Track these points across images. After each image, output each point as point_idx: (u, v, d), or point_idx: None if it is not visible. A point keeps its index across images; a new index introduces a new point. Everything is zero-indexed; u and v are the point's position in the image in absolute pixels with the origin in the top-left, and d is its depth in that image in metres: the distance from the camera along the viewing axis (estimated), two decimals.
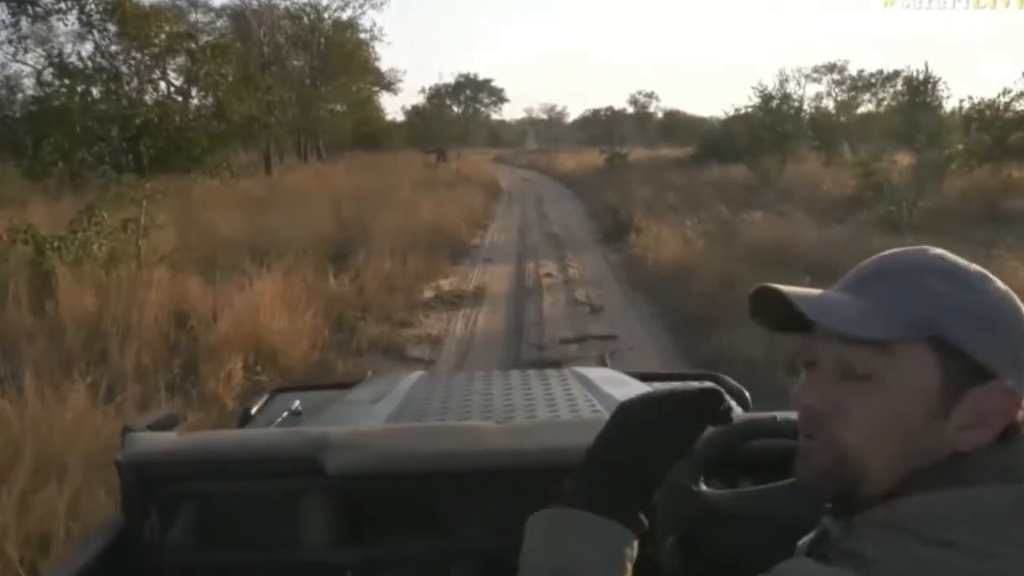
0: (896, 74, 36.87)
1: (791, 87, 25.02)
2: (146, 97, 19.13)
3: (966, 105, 18.53)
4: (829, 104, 37.96)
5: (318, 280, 7.18)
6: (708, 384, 0.90)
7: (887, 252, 0.68)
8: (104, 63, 18.36)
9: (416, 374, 2.16)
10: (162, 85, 20.19)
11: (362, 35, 30.99)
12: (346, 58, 30.13)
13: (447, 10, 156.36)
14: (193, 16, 26.47)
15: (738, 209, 12.00)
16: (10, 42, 18.32)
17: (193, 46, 19.14)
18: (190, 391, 4.38)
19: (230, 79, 19.18)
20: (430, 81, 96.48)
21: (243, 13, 27.13)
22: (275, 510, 1.21)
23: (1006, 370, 0.61)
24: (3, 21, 17.61)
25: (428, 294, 8.12)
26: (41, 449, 2.99)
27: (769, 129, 21.12)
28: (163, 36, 18.48)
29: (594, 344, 6.14)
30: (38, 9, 17.41)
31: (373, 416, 1.63)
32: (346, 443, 1.20)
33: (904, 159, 15.59)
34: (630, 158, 27.90)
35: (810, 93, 36.16)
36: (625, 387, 1.80)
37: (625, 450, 0.73)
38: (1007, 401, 0.61)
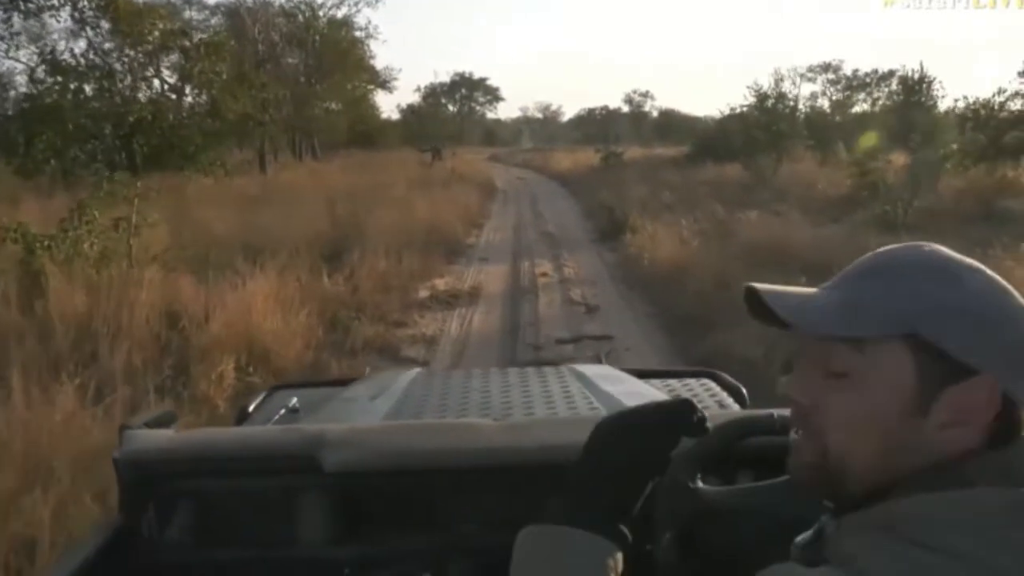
0: (891, 74, 37.02)
1: (786, 86, 25.00)
2: (139, 95, 19.01)
3: (961, 105, 18.59)
4: (824, 104, 38.00)
5: (312, 279, 7.13)
6: (681, 396, 0.88)
7: (881, 249, 0.67)
8: (97, 60, 18.25)
9: (414, 371, 2.13)
10: (156, 83, 20.09)
11: (357, 33, 30.95)
12: (341, 56, 30.02)
13: (442, 8, 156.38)
14: (187, 13, 26.37)
15: (734, 208, 11.99)
16: (2, 39, 18.20)
17: (187, 43, 19.02)
18: (181, 392, 4.33)
19: (224, 77, 19.07)
20: (425, 79, 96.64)
21: (237, 10, 27.01)
22: (273, 507, 1.20)
23: (990, 366, 0.60)
24: None
25: (423, 293, 8.08)
26: (28, 452, 2.93)
27: (764, 128, 21.11)
28: (157, 33, 18.34)
29: (590, 344, 6.11)
30: (30, 5, 17.29)
31: (371, 413, 1.62)
32: (344, 440, 1.20)
33: (899, 159, 15.60)
34: (625, 157, 27.88)
35: (805, 92, 36.17)
36: (622, 384, 1.80)
37: (604, 467, 0.77)
38: (990, 398, 0.59)
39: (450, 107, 72.06)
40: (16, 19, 17.83)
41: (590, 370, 1.99)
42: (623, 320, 7.11)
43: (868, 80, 42.00)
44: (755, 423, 1.03)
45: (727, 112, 25.09)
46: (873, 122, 25.54)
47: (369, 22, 43.58)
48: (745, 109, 23.12)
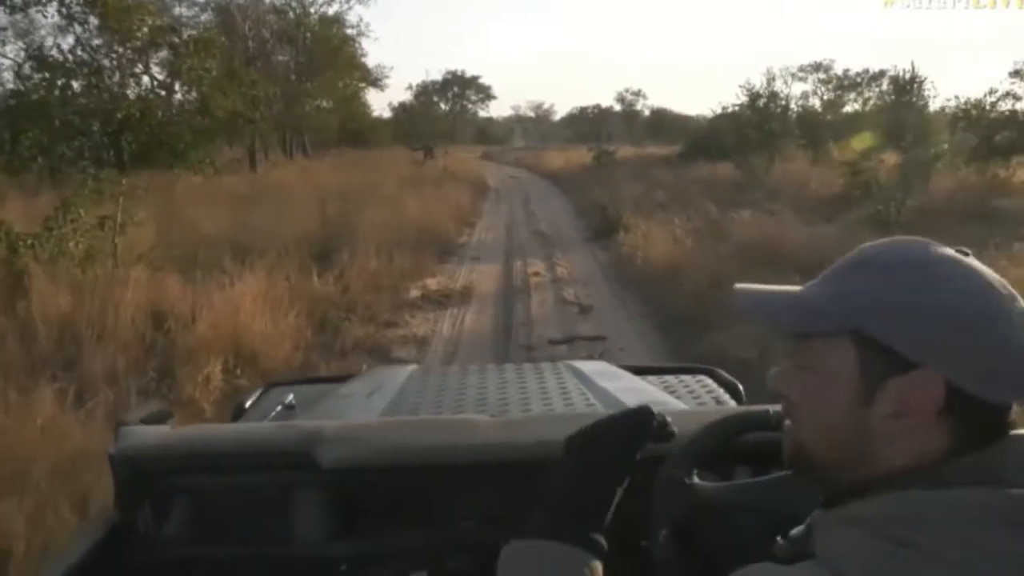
0: (882, 73, 37.03)
1: (778, 86, 24.94)
2: (128, 91, 18.78)
3: (952, 105, 18.64)
4: (815, 103, 38.02)
5: (302, 279, 7.04)
6: (642, 404, 0.90)
7: (865, 244, 0.68)
8: (85, 56, 18.05)
9: (410, 367, 2.12)
10: (145, 79, 19.84)
11: (349, 30, 30.78)
12: (332, 53, 29.88)
13: (433, 7, 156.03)
14: (177, 10, 26.11)
15: (726, 207, 11.97)
16: None
17: (176, 40, 18.82)
18: (166, 395, 4.23)
19: (214, 74, 18.87)
20: (417, 78, 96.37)
21: (228, 7, 26.79)
22: (269, 504, 1.20)
23: (932, 360, 0.60)
24: None
25: (414, 293, 8.00)
26: (5, 458, 2.84)
27: (756, 127, 21.08)
28: (146, 29, 18.13)
29: (583, 345, 6.05)
30: (17, 1, 17.08)
31: (367, 410, 1.62)
32: (340, 437, 1.20)
33: (891, 158, 15.62)
34: (618, 156, 27.86)
35: (796, 92, 36.16)
36: (619, 380, 1.81)
37: (575, 482, 0.82)
38: (931, 391, 0.60)
39: (442, 105, 71.89)
40: (2, 14, 17.65)
41: (587, 366, 1.98)
42: (617, 320, 7.05)
43: (859, 80, 42.07)
44: (751, 419, 1.03)
45: (719, 111, 25.14)
46: (864, 121, 25.59)
47: (360, 19, 43.21)
48: (737, 108, 23.12)
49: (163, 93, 20.00)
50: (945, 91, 45.62)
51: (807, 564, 0.61)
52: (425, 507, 1.21)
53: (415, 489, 1.21)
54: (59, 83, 17.09)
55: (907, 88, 22.53)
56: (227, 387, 4.52)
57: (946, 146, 16.60)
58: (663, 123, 59.01)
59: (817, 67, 42.97)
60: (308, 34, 29.18)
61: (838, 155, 18.27)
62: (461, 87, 73.81)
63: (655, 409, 0.89)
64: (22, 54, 18.09)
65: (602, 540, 0.79)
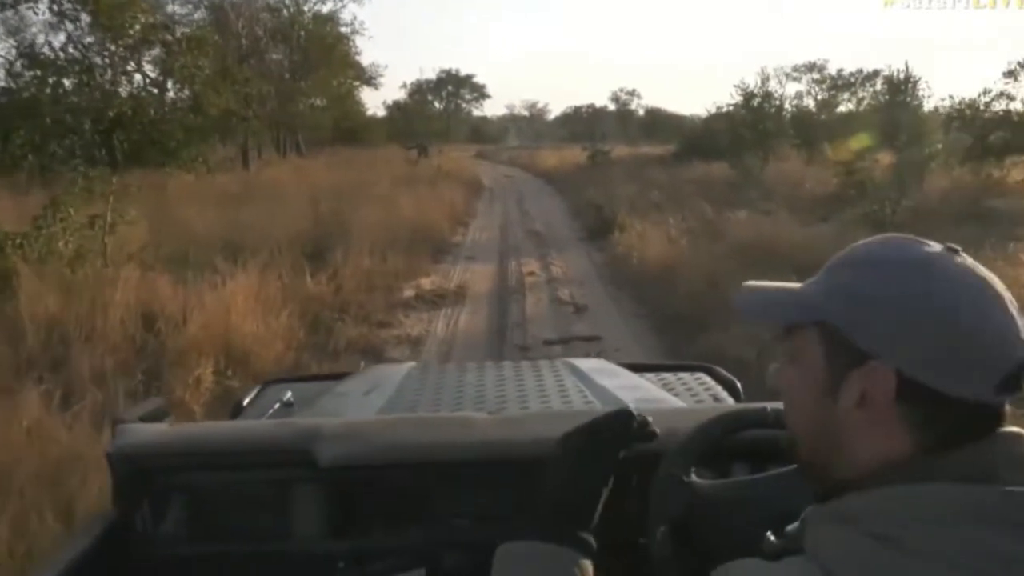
0: (875, 73, 37.11)
1: (772, 85, 24.94)
2: (120, 89, 18.64)
3: (947, 104, 18.66)
4: (810, 103, 38.05)
5: (294, 279, 6.98)
6: (622, 407, 0.92)
7: (859, 242, 0.69)
8: (77, 54, 17.91)
9: (408, 365, 2.12)
10: (137, 77, 19.70)
11: (343, 29, 30.68)
12: (326, 52, 29.79)
13: (428, 5, 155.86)
14: (170, 7, 25.88)
15: (721, 207, 11.95)
16: None
17: (169, 38, 18.70)
18: (155, 398, 4.16)
19: (207, 72, 18.77)
20: (411, 76, 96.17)
21: (221, 5, 26.64)
22: (267, 501, 1.20)
23: (887, 351, 0.60)
24: None
25: (408, 293, 7.94)
26: None
27: (751, 127, 21.07)
28: (138, 27, 17.99)
29: (579, 345, 6.00)
30: None
31: (365, 407, 1.62)
32: (338, 434, 1.20)
33: (885, 158, 15.63)
34: (612, 155, 27.83)
35: (791, 92, 36.17)
36: (617, 378, 1.81)
37: (563, 484, 0.86)
38: (883, 384, 0.60)
39: (436, 104, 71.74)
40: None
41: (585, 364, 1.97)
42: (612, 320, 7.01)
43: (853, 80, 42.15)
44: (748, 416, 1.04)
45: (714, 111, 25.12)
46: (859, 121, 25.59)
47: (355, 18, 43.04)
48: (732, 108, 23.10)
49: (155, 91, 19.87)
50: (940, 91, 45.81)
51: (794, 559, 0.62)
52: (423, 504, 1.21)
53: (413, 486, 1.21)
54: (50, 81, 16.95)
55: (901, 88, 22.53)
56: (218, 389, 4.46)
57: (940, 146, 16.62)
58: (657, 123, 59.04)
59: (811, 67, 43.11)
60: (302, 32, 29.07)
61: (832, 155, 18.27)
62: (455, 86, 73.71)
63: (634, 409, 0.91)
64: (13, 52, 17.99)
65: (591, 539, 0.82)
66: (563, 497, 0.85)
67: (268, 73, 26.52)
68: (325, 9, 29.56)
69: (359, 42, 36.89)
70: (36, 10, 17.50)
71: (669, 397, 1.70)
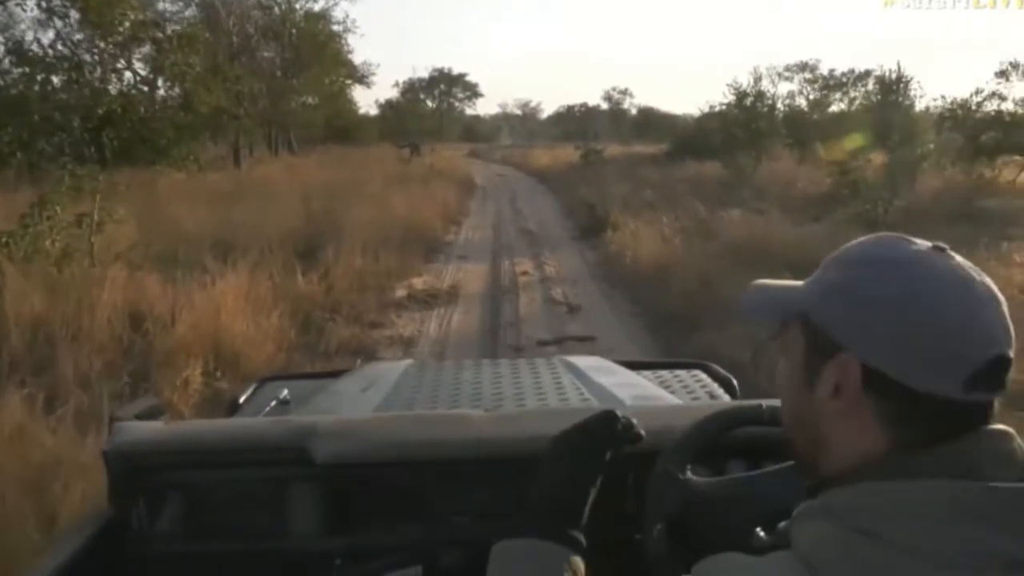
0: (867, 73, 37.17)
1: (764, 85, 24.93)
2: (110, 87, 18.51)
3: (939, 105, 18.71)
4: (802, 103, 38.11)
5: (285, 278, 6.91)
6: (607, 409, 0.93)
7: (851, 241, 0.70)
8: (66, 51, 17.76)
9: (404, 362, 2.12)
10: (127, 75, 19.58)
11: (335, 27, 30.51)
12: (318, 50, 29.60)
13: (421, 4, 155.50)
14: (160, 4, 25.64)
15: (714, 206, 11.94)
16: None
17: (159, 35, 18.58)
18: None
19: (197, 69, 18.63)
20: (404, 75, 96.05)
21: (212, 2, 26.42)
22: (263, 499, 1.20)
23: (857, 344, 0.62)
24: None
25: (400, 293, 7.89)
26: None
27: (743, 127, 21.10)
28: (128, 24, 17.86)
29: (573, 345, 5.96)
30: None
31: (361, 405, 1.62)
32: (335, 432, 1.20)
33: (877, 158, 15.66)
34: (605, 154, 27.82)
35: (783, 91, 36.22)
36: (614, 376, 1.81)
37: (554, 484, 0.88)
38: (849, 375, 0.62)
39: (429, 103, 71.56)
40: None
41: (582, 362, 1.98)
42: (606, 320, 6.98)
43: (844, 80, 42.24)
44: (744, 414, 1.04)
45: (706, 110, 25.12)
46: (851, 121, 25.65)
47: (347, 16, 42.92)
48: (724, 107, 23.12)
49: (145, 89, 19.73)
50: (937, 91, 45.96)
51: (779, 554, 0.62)
52: (419, 502, 1.21)
53: (409, 484, 1.21)
54: (39, 78, 16.80)
55: (893, 88, 22.59)
56: (207, 390, 4.40)
57: (932, 146, 16.67)
58: (650, 122, 59.04)
59: (803, 67, 43.15)
60: (294, 30, 28.89)
61: (825, 154, 18.30)
62: (448, 85, 73.54)
63: (621, 411, 0.93)
64: (1, 48, 17.81)
65: (582, 537, 0.84)
66: (555, 496, 0.87)
67: (259, 71, 26.35)
68: (317, 7, 29.41)
69: (351, 40, 36.59)
70: (24, 7, 17.38)
71: (665, 394, 1.70)
